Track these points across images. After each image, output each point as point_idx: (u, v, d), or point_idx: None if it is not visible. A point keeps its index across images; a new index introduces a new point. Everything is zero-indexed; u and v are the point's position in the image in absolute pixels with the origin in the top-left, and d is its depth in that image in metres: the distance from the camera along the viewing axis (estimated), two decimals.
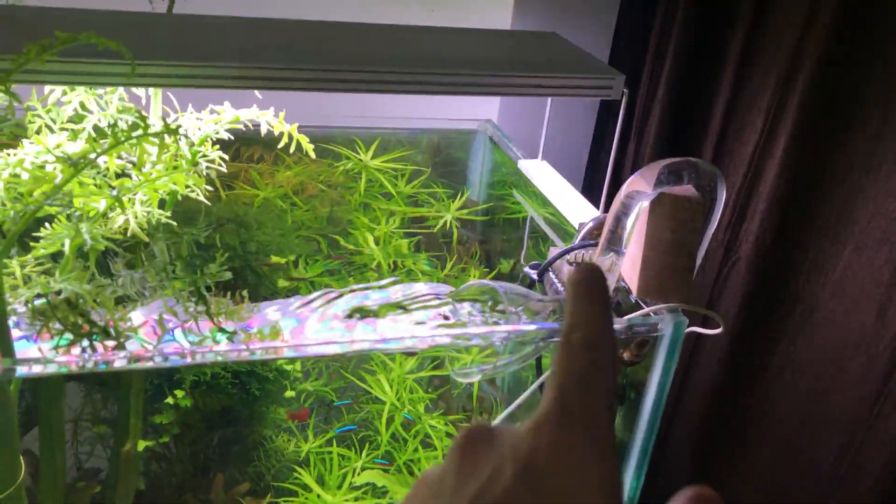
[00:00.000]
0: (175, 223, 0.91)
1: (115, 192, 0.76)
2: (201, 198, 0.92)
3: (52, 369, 0.70)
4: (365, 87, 0.88)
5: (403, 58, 0.93)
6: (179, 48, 0.85)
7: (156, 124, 0.90)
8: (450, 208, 1.30)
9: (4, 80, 0.61)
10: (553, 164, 1.25)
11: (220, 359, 0.78)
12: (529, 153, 1.27)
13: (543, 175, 1.19)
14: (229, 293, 0.89)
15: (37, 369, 0.70)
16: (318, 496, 1.09)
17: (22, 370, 0.72)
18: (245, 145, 1.24)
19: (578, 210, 1.09)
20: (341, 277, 1.17)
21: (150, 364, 0.70)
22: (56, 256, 0.86)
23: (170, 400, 0.96)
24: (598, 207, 1.07)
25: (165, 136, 0.70)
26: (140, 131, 0.71)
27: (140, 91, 0.99)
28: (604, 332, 0.33)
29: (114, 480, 0.99)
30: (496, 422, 0.97)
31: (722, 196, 0.84)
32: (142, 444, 0.97)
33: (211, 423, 1.04)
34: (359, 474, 1.15)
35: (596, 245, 0.93)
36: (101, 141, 0.72)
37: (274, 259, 1.05)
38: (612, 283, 0.87)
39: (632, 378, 0.94)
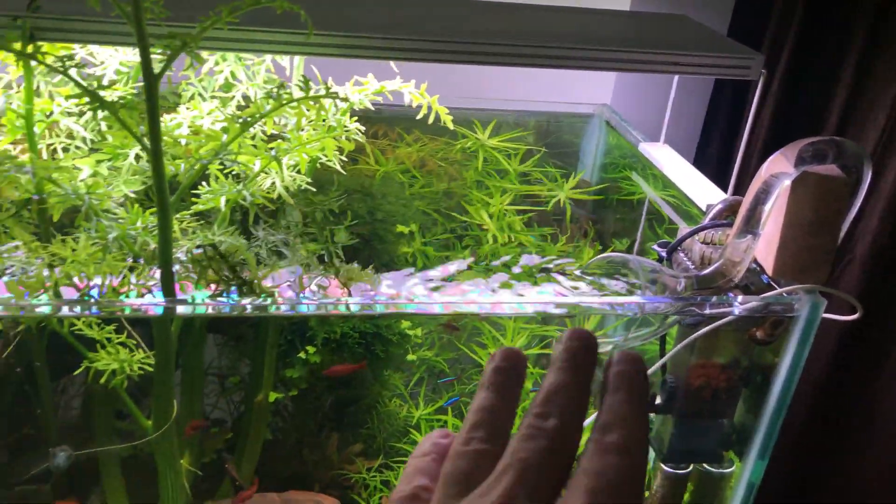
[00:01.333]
0: (313, 189, 0.96)
1: (273, 153, 0.81)
2: (338, 167, 0.96)
3: (203, 311, 0.75)
4: (503, 60, 0.90)
5: (538, 33, 0.95)
6: (326, 19, 0.89)
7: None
8: (563, 187, 1.31)
9: (191, 44, 0.66)
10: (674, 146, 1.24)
11: (360, 310, 0.81)
12: (645, 137, 1.26)
13: (665, 158, 1.18)
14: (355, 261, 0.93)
15: (191, 310, 0.76)
16: None
17: (182, 309, 0.77)
18: (366, 122, 1.28)
19: (704, 192, 1.08)
20: (456, 250, 1.19)
21: (305, 310, 0.74)
22: (201, 214, 0.91)
23: (301, 355, 1.01)
24: (724, 190, 1.06)
25: (324, 101, 0.74)
26: (302, 94, 0.75)
27: (285, 62, 1.04)
28: (641, 435, 0.31)
29: (245, 429, 1.05)
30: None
31: (867, 177, 0.82)
32: (272, 396, 1.03)
33: (334, 381, 1.08)
34: None
35: (727, 225, 0.93)
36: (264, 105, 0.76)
37: (399, 228, 1.08)
38: (745, 266, 0.86)
39: (757, 361, 0.93)
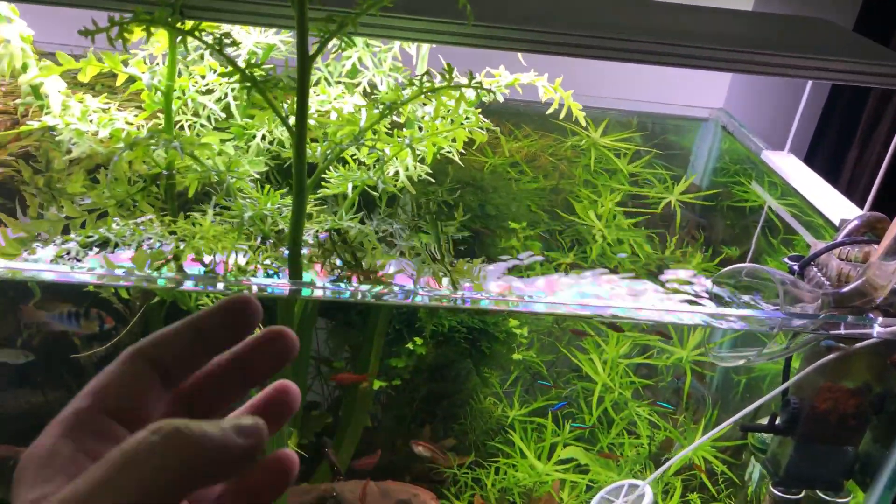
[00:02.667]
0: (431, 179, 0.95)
1: (407, 140, 0.80)
2: (457, 158, 0.95)
3: (321, 294, 0.75)
4: (639, 56, 0.87)
5: (669, 31, 0.91)
6: (453, 9, 0.88)
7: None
8: (673, 191, 1.26)
9: (349, 26, 0.66)
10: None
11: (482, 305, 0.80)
12: (767, 145, 1.21)
13: (790, 167, 1.13)
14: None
15: (318, 293, 0.76)
16: (527, 464, 1.10)
17: (307, 291, 0.78)
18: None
19: (832, 206, 1.02)
20: (562, 250, 1.17)
21: (431, 303, 0.73)
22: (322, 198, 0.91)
23: (409, 345, 1.00)
24: (860, 206, 1.01)
25: (464, 91, 0.72)
26: (444, 83, 0.74)
27: (412, 50, 1.03)
28: None
29: (346, 415, 1.05)
30: (737, 417, 0.94)
31: None
32: (376, 384, 1.03)
33: (437, 374, 1.08)
34: (563, 449, 1.15)
35: (866, 242, 0.88)
36: (403, 91, 0.75)
37: (512, 224, 1.06)
38: (889, 288, 0.81)
39: (892, 388, 0.87)
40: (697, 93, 1.53)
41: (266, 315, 0.83)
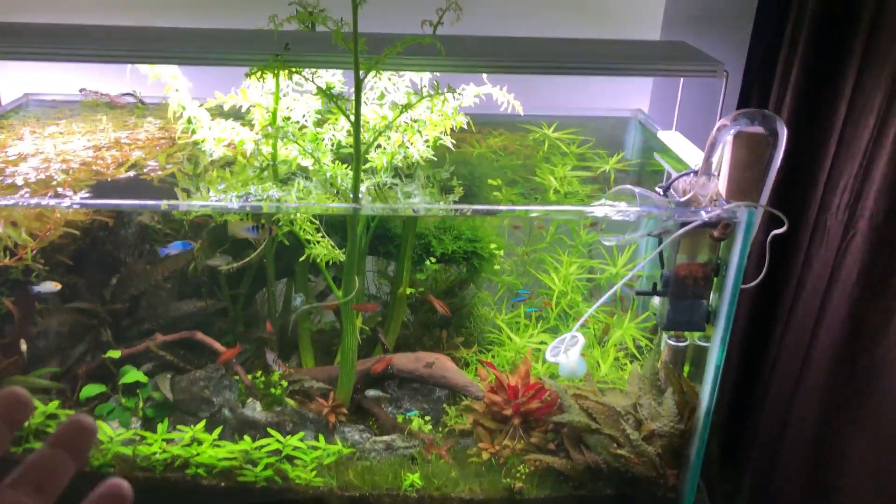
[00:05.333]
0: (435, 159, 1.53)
1: (417, 127, 1.39)
2: (449, 144, 1.53)
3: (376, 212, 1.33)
4: (555, 70, 1.45)
5: (571, 53, 1.50)
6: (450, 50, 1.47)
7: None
8: (609, 161, 1.83)
9: (380, 63, 1.25)
10: (692, 138, 1.74)
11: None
12: (661, 127, 1.78)
13: (677, 141, 1.70)
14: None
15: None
16: (513, 346, 1.66)
17: (365, 210, 1.35)
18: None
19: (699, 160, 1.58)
20: (530, 199, 1.72)
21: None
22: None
23: (427, 263, 1.58)
24: None
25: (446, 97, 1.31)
26: (434, 93, 1.33)
27: (417, 79, 1.62)
28: None
29: (390, 312, 1.62)
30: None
31: (783, 135, 1.32)
32: (408, 290, 1.60)
33: (449, 292, 1.65)
34: (535, 336, 1.71)
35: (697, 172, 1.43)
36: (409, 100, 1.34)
37: (489, 181, 1.64)
38: (707, 194, 1.37)
39: (724, 259, 1.42)
40: (625, 100, 2.11)
41: (341, 235, 1.54)
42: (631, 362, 1.70)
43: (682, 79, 1.72)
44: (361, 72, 1.27)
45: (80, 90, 1.95)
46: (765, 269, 1.44)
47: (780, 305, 1.73)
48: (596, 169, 1.81)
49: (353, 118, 1.30)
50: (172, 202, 1.35)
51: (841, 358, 1.58)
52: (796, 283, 1.70)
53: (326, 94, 1.29)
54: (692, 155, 1.61)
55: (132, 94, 1.93)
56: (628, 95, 2.09)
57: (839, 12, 1.57)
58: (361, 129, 1.36)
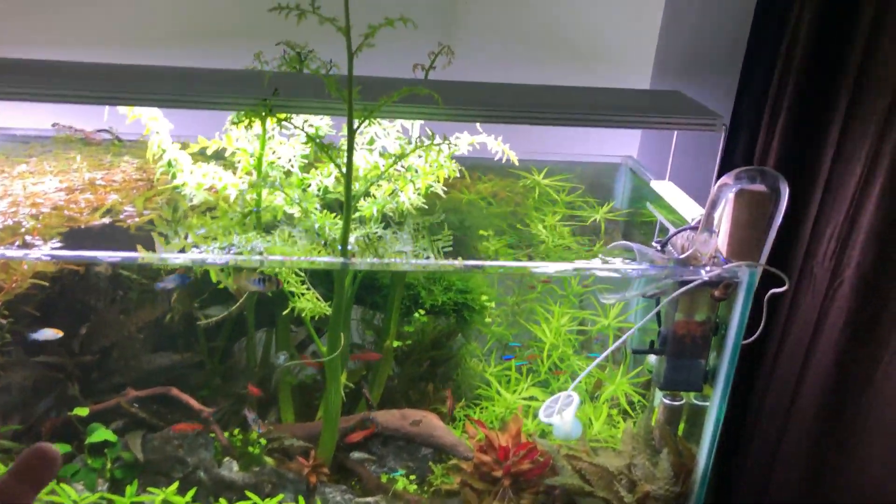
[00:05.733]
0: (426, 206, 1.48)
1: (409, 177, 1.34)
2: (440, 191, 1.48)
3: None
4: (551, 121, 1.41)
5: (568, 104, 1.46)
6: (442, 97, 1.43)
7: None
8: (598, 210, 1.79)
9: (374, 113, 1.20)
10: (684, 187, 1.72)
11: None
12: (654, 176, 1.75)
13: (670, 191, 1.67)
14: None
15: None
16: (503, 401, 1.60)
17: (355, 264, 1.29)
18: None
19: (695, 213, 1.55)
20: (520, 249, 1.68)
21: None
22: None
23: (415, 315, 1.52)
24: None
25: (441, 147, 1.26)
26: (427, 142, 1.28)
27: (407, 124, 1.58)
28: None
29: (375, 366, 1.55)
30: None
31: (785, 193, 1.29)
32: (396, 343, 1.54)
33: (436, 344, 1.59)
34: (526, 390, 1.65)
35: (697, 228, 1.40)
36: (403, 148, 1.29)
37: (480, 232, 1.59)
38: (707, 251, 1.33)
39: (723, 319, 1.38)
40: (615, 146, 2.08)
41: (326, 287, 1.46)
42: (624, 419, 1.65)
43: (675, 131, 1.70)
44: (355, 121, 1.21)
45: (53, 125, 1.86)
46: (761, 327, 1.41)
47: (765, 353, 1.70)
48: (586, 218, 1.78)
49: (343, 168, 1.25)
50: (149, 255, 1.28)
51: (826, 407, 1.56)
52: (781, 330, 1.67)
53: (317, 143, 1.23)
54: (686, 207, 1.58)
55: (108, 131, 1.86)
56: (617, 140, 2.06)
57: (826, 61, 1.57)
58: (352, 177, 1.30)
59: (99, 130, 1.88)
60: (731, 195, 1.29)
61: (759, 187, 1.28)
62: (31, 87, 1.36)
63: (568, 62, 2.06)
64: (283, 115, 1.31)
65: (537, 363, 1.68)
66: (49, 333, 1.35)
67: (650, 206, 1.73)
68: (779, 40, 1.70)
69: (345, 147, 1.26)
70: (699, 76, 1.93)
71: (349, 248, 1.33)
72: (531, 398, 1.64)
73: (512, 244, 1.66)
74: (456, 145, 1.31)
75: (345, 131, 1.23)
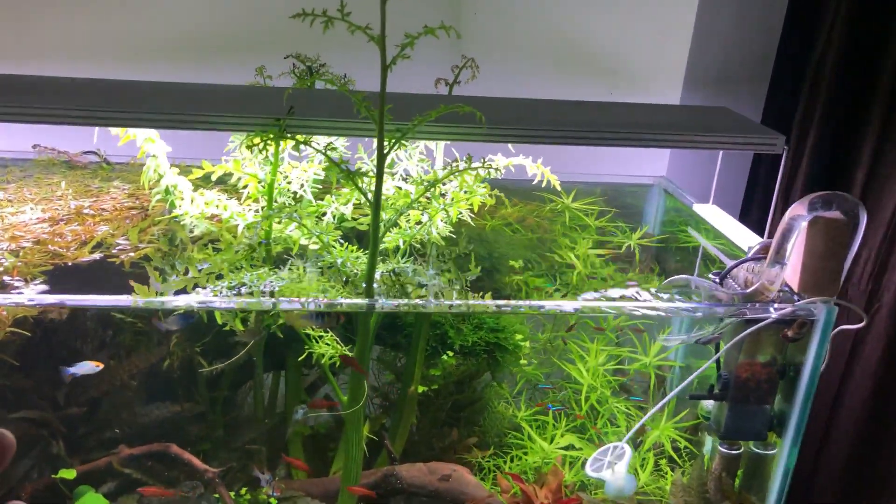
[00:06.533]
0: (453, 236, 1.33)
1: (441, 207, 1.18)
2: (469, 219, 1.33)
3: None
4: (595, 140, 1.27)
5: (608, 121, 1.32)
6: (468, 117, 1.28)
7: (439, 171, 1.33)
8: (632, 237, 1.65)
9: (407, 134, 1.05)
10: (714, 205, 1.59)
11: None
12: (696, 200, 1.62)
13: (714, 215, 1.53)
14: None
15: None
16: (538, 448, 1.44)
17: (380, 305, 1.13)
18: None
19: (746, 239, 1.41)
20: (550, 282, 1.53)
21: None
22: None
23: (444, 357, 1.36)
24: (761, 236, 1.40)
25: (477, 171, 1.11)
26: (464, 166, 1.13)
27: (432, 145, 1.42)
28: None
29: (398, 413, 1.39)
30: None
31: (863, 220, 1.15)
32: (420, 389, 1.38)
33: (462, 386, 1.43)
34: (562, 436, 1.50)
35: (761, 259, 1.26)
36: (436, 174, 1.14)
37: (511, 262, 1.44)
38: (776, 286, 1.19)
39: (790, 360, 1.24)
40: (646, 164, 1.95)
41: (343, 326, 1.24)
42: (671, 468, 1.50)
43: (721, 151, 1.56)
44: (385, 144, 1.06)
45: (34, 146, 1.69)
46: (823, 364, 1.27)
47: None
48: (619, 245, 1.64)
49: (371, 196, 1.09)
50: (148, 300, 1.11)
51: (862, 442, 1.44)
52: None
53: (344, 170, 1.08)
54: (735, 233, 1.44)
55: (95, 153, 1.69)
56: (643, 159, 1.93)
57: (857, 78, 1.49)
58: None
59: (85, 152, 1.72)
60: (804, 224, 1.15)
61: (836, 214, 1.14)
62: (9, 105, 1.19)
63: (593, 77, 1.92)
64: (301, 138, 1.16)
65: (571, 408, 1.53)
66: (89, 367, 1.19)
67: (693, 233, 1.59)
68: (808, 56, 1.61)
69: (368, 173, 1.10)
70: (727, 90, 1.81)
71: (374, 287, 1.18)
72: (569, 447, 1.48)
73: (540, 275, 1.51)
74: (498, 168, 1.16)
75: (361, 153, 1.07)
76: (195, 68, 1.67)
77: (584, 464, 1.40)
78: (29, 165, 1.65)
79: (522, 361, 1.46)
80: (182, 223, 1.32)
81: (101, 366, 1.21)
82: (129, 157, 1.69)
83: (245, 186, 1.28)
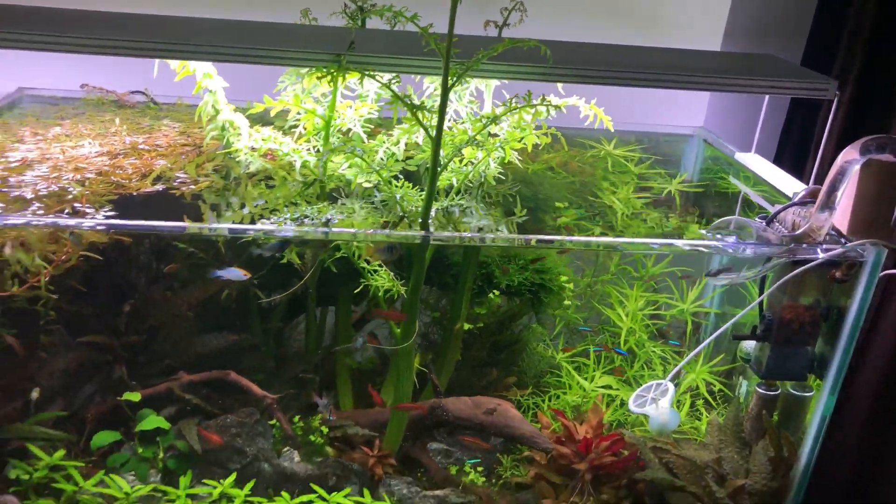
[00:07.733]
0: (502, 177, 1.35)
1: (498, 145, 1.20)
2: (517, 161, 1.35)
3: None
4: (650, 82, 1.28)
5: (659, 65, 1.33)
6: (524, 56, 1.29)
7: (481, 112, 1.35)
8: (672, 182, 1.66)
9: (470, 69, 1.06)
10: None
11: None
12: (737, 149, 1.63)
13: (756, 164, 1.54)
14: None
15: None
16: (576, 387, 1.48)
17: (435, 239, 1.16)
18: None
19: (788, 185, 1.43)
20: (593, 222, 1.54)
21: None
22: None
23: (490, 295, 1.39)
24: (805, 183, 1.41)
25: (539, 108, 1.13)
26: (524, 103, 1.15)
27: (481, 85, 1.43)
28: None
29: (443, 350, 1.43)
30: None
31: None
32: (466, 326, 1.41)
33: (503, 326, 1.46)
34: (599, 378, 1.54)
35: (811, 202, 1.28)
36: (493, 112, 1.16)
37: (557, 204, 1.45)
38: (825, 231, 1.20)
39: (833, 302, 1.26)
40: (682, 115, 1.95)
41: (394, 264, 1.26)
42: (707, 410, 1.54)
43: (766, 97, 1.57)
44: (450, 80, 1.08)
45: (82, 86, 1.71)
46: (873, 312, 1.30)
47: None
48: (661, 190, 1.65)
49: (433, 132, 1.11)
50: (219, 226, 1.14)
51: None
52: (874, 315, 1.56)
53: (408, 105, 1.09)
54: (779, 180, 1.46)
55: (143, 93, 1.71)
56: (679, 109, 1.93)
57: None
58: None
59: (132, 92, 1.74)
60: (856, 167, 1.17)
61: (889, 157, 1.16)
62: (62, 37, 1.20)
63: (632, 27, 1.92)
64: (369, 73, 1.17)
65: (612, 347, 1.57)
66: (236, 273, 1.23)
67: (734, 180, 1.61)
68: (848, 6, 1.59)
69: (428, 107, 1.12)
70: (767, 44, 1.80)
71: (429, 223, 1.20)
72: (605, 387, 1.53)
73: (583, 216, 1.53)
74: (557, 106, 1.18)
75: (410, 93, 1.08)
76: (227, 6, 1.68)
77: (622, 403, 1.45)
78: (79, 104, 1.67)
79: (566, 302, 1.49)
80: (237, 160, 1.35)
81: (248, 275, 1.23)
82: (175, 98, 1.71)
83: (294, 127, 1.30)
